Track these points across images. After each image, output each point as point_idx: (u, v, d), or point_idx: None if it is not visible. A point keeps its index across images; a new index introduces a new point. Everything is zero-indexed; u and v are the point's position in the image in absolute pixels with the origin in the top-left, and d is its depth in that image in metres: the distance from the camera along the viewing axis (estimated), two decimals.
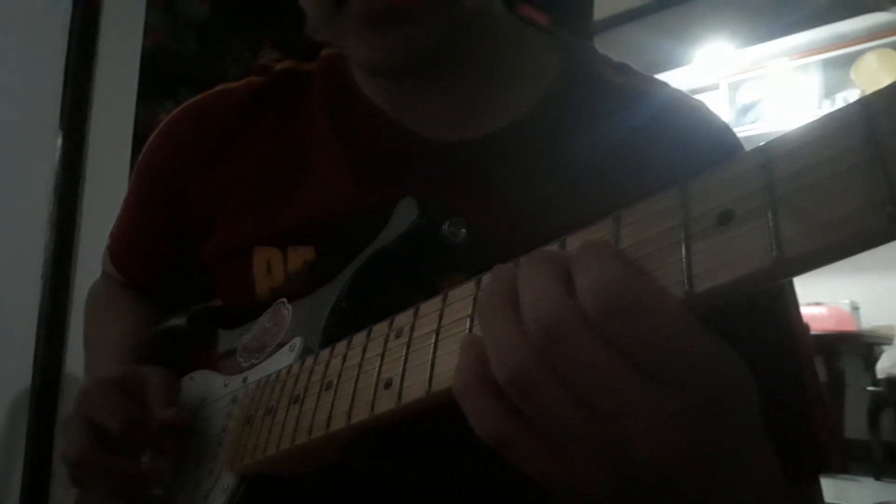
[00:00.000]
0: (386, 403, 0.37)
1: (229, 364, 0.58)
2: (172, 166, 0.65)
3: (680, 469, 0.27)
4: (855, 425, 3.52)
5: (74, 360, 1.51)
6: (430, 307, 0.38)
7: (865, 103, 0.22)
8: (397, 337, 0.39)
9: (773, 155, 0.24)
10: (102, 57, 1.58)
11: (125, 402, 0.52)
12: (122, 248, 0.73)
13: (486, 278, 0.34)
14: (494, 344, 0.29)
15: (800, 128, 0.24)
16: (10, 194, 1.49)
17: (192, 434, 0.56)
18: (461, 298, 0.36)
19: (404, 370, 0.37)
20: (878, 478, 3.47)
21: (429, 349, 0.36)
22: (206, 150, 0.63)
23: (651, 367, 0.26)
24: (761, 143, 0.25)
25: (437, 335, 0.36)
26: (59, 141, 1.53)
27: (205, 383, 0.59)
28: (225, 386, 0.56)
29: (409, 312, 0.39)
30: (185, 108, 0.67)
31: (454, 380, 0.31)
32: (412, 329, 0.38)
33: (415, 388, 0.35)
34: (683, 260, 0.25)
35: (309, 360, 0.46)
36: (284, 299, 0.56)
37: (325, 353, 0.45)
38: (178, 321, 0.68)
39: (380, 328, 0.41)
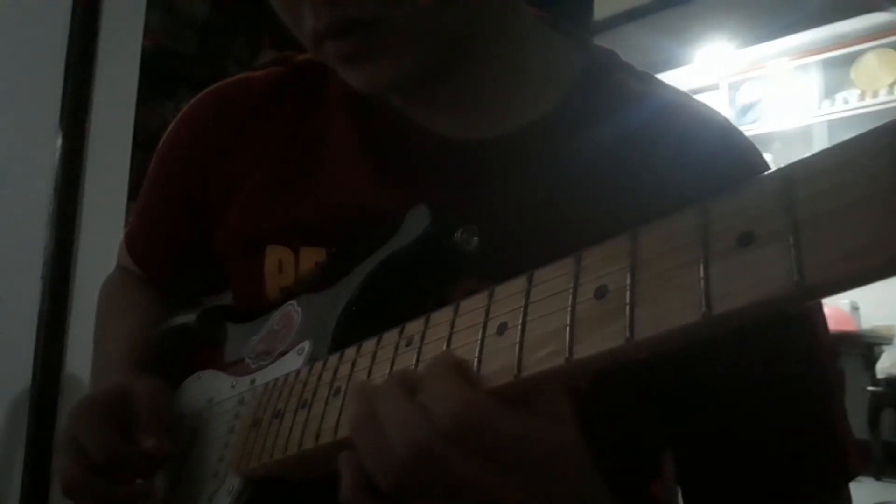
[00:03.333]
0: None
1: (237, 365, 0.58)
2: (190, 154, 0.65)
3: None
4: (855, 425, 3.51)
5: (74, 360, 1.50)
6: (441, 316, 0.37)
7: (893, 128, 0.22)
8: (407, 345, 0.38)
9: (796, 177, 0.24)
10: (102, 57, 1.58)
11: (110, 429, 0.52)
12: (139, 236, 0.73)
13: (356, 392, 0.37)
14: (370, 461, 0.35)
15: (824, 150, 0.23)
16: (10, 194, 1.49)
17: (197, 435, 0.56)
18: (473, 309, 0.35)
19: None
20: (878, 478, 3.47)
21: None
22: (224, 137, 0.63)
23: (501, 460, 0.32)
24: (783, 165, 0.25)
25: (449, 345, 0.35)
26: (59, 141, 1.52)
27: (212, 383, 0.58)
28: (232, 387, 0.55)
29: (420, 321, 0.38)
30: (206, 94, 0.67)
31: (341, 493, 0.37)
32: (422, 338, 0.37)
33: None
34: (702, 281, 0.25)
35: (318, 365, 0.46)
36: (294, 301, 0.55)
37: (333, 359, 0.45)
38: (188, 318, 0.68)
39: (390, 336, 0.40)
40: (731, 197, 0.26)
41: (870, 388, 3.63)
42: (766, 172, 0.25)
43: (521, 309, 0.32)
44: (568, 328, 0.30)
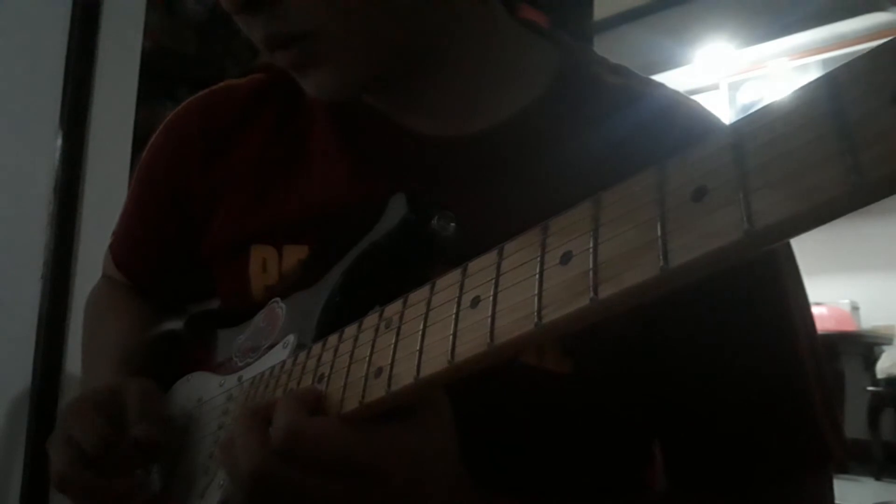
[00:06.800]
0: (376, 392, 0.38)
1: (225, 365, 0.58)
2: (175, 161, 0.66)
3: None
4: (855, 425, 3.53)
5: (74, 360, 1.51)
6: (418, 296, 0.38)
7: (832, 77, 0.23)
8: (387, 327, 0.39)
9: (744, 130, 0.25)
10: (102, 57, 1.58)
11: (101, 422, 0.53)
12: (124, 245, 0.73)
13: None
14: (231, 479, 0.42)
15: (769, 103, 0.25)
16: (10, 194, 1.49)
17: (188, 434, 0.56)
18: (448, 286, 0.36)
19: (394, 358, 0.37)
20: (878, 478, 3.48)
21: (417, 336, 0.36)
22: (208, 145, 0.64)
23: (328, 470, 0.38)
24: (732, 122, 0.26)
25: (426, 322, 0.36)
26: (59, 141, 1.53)
27: (200, 384, 0.59)
28: (220, 385, 0.56)
29: (399, 302, 0.39)
30: (189, 103, 0.68)
31: None
32: (401, 318, 0.38)
33: (404, 375, 0.36)
34: (660, 238, 0.26)
35: (302, 355, 0.47)
36: (278, 298, 0.56)
37: (317, 347, 0.45)
38: (176, 325, 0.68)
39: (370, 319, 0.41)
40: (686, 155, 0.27)
41: (870, 388, 3.63)
42: (716, 129, 0.27)
43: (493, 281, 0.33)
44: (536, 294, 0.31)
